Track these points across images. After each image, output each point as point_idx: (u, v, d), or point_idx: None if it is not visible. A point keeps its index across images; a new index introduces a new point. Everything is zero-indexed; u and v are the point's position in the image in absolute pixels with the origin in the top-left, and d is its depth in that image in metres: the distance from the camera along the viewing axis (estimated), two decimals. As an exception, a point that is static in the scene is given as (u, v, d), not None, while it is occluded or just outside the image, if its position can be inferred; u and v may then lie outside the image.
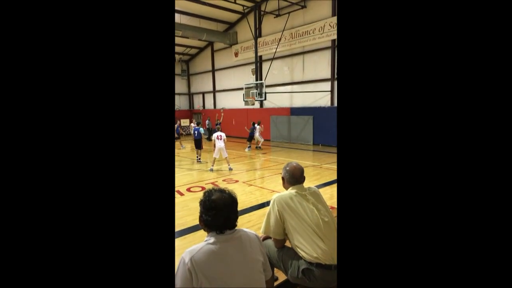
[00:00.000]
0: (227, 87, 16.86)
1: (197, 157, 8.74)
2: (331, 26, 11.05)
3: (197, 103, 19.89)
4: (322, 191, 1.96)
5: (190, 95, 20.41)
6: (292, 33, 12.53)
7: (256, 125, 11.45)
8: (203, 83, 18.96)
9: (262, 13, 13.09)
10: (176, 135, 13.02)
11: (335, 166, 7.34)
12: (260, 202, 5.05)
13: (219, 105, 17.72)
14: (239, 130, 15.21)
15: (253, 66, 14.30)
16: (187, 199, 5.27)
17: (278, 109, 13.69)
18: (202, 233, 4.29)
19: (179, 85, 19.93)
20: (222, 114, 12.82)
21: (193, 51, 18.57)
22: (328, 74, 11.53)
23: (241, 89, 13.52)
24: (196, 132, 8.78)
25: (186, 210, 4.72)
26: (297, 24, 12.31)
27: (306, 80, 12.47)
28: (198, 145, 8.73)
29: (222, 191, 1.27)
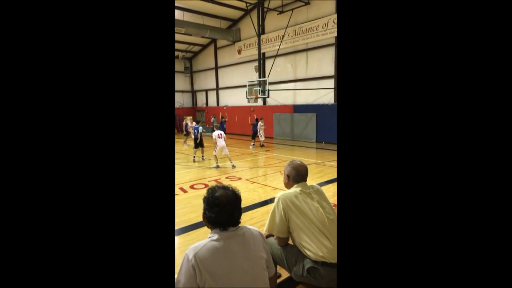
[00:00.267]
0: (230, 85, 16.83)
1: (196, 156, 8.59)
2: (334, 23, 10.96)
3: (200, 100, 19.89)
4: (325, 188, 1.96)
5: (193, 93, 20.42)
6: (295, 30, 12.46)
7: (259, 121, 11.41)
8: (206, 81, 18.95)
9: (265, 10, 13.02)
10: (184, 132, 13.09)
11: (338, 164, 7.30)
12: (263, 199, 5.05)
13: (222, 103, 17.71)
14: (242, 128, 15.22)
15: (256, 63, 14.25)
16: (190, 196, 5.29)
17: (281, 107, 13.66)
18: (205, 230, 4.30)
19: (182, 83, 19.94)
20: (226, 114, 12.70)
21: (196, 48, 18.55)
22: (331, 71, 11.47)
23: (244, 86, 13.49)
24: (195, 131, 8.67)
25: (189, 207, 4.75)
26: (300, 21, 12.23)
27: (309, 77, 12.41)
28: (198, 144, 8.61)
29: (225, 188, 1.28)
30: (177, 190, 5.64)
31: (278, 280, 1.77)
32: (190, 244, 1.19)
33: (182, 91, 20.01)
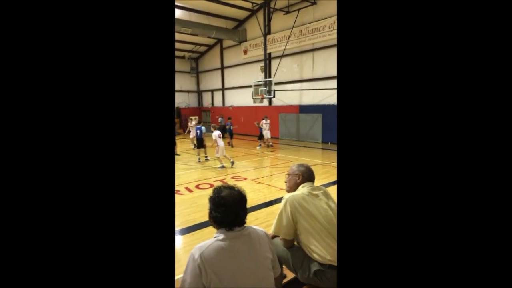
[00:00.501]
0: (236, 85, 16.87)
1: (201, 157, 8.51)
2: (341, 23, 10.89)
3: (206, 100, 19.97)
4: (331, 189, 1.94)
5: (199, 93, 20.51)
6: (301, 30, 12.43)
7: (263, 120, 11.25)
8: (212, 81, 19.02)
9: (271, 10, 13.01)
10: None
11: (344, 165, 7.24)
12: (268, 200, 5.05)
13: (228, 103, 17.76)
14: (247, 128, 15.22)
15: (262, 64, 14.25)
16: (195, 196, 5.31)
17: (287, 107, 13.63)
18: (210, 229, 4.30)
19: (188, 83, 20.05)
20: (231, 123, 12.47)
21: (202, 48, 18.63)
22: (338, 72, 11.39)
23: (250, 86, 13.50)
24: (198, 131, 8.62)
25: (195, 206, 4.76)
26: (307, 21, 12.20)
27: (315, 78, 12.36)
28: (201, 144, 8.53)
29: (231, 188, 1.27)
30: (182, 190, 5.66)
31: (284, 281, 1.76)
32: (195, 244, 1.19)
33: (188, 91, 20.12)
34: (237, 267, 1.15)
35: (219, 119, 15.48)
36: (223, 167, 7.61)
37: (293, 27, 12.31)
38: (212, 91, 19.15)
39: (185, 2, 12.77)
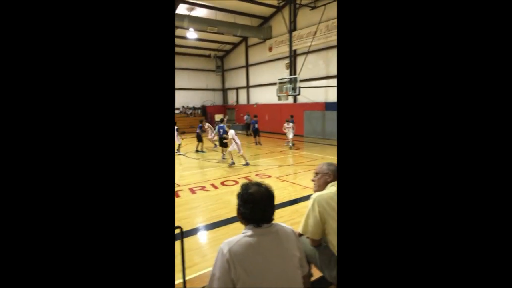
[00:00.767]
0: (261, 82, 16.87)
1: (226, 153, 8.57)
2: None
3: (231, 98, 20.19)
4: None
5: (224, 91, 20.77)
6: (328, 26, 12.15)
7: (285, 124, 10.88)
8: (237, 79, 19.18)
9: (297, 6, 12.85)
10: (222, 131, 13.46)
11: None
12: (292, 198, 5.01)
13: (252, 100, 17.82)
14: (272, 125, 15.19)
15: (287, 61, 14.14)
16: (221, 193, 5.39)
17: (312, 104, 13.42)
18: (235, 225, 4.37)
19: (214, 81, 20.37)
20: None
21: (228, 47, 18.83)
22: (366, 68, 11.02)
23: (274, 84, 13.45)
24: (221, 130, 8.61)
25: (220, 203, 4.84)
26: (333, 16, 11.89)
27: (342, 74, 12.04)
28: (223, 142, 8.42)
29: (259, 184, 1.28)
30: (208, 186, 5.78)
31: (311, 280, 1.74)
32: (220, 239, 1.21)
33: (214, 89, 20.44)
34: (265, 263, 1.15)
35: (245, 117, 15.58)
36: (247, 164, 7.70)
37: (319, 23, 12.07)
38: (237, 89, 19.30)
39: (211, 2, 12.95)
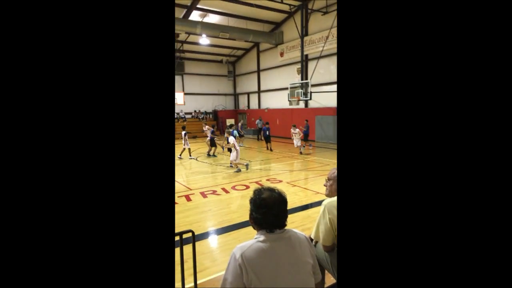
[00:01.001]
0: (272, 87, 16.91)
1: (245, 163, 8.39)
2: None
3: (242, 103, 20.29)
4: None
5: (236, 96, 20.90)
6: (340, 30, 12.09)
7: (291, 129, 10.65)
8: (248, 84, 19.29)
9: (309, 11, 12.86)
10: (240, 133, 13.60)
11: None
12: (304, 203, 4.96)
13: (264, 105, 17.85)
14: (283, 130, 15.16)
15: (298, 66, 14.13)
16: (232, 197, 5.40)
17: (323, 109, 13.34)
18: (246, 230, 4.34)
19: (225, 86, 20.54)
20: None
21: (239, 52, 18.99)
22: (379, 72, 10.88)
23: (286, 88, 13.44)
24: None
25: (231, 207, 4.84)
26: (345, 21, 11.83)
27: (354, 79, 11.93)
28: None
29: (272, 190, 1.27)
30: (219, 191, 5.80)
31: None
32: (232, 244, 1.21)
33: (225, 94, 20.61)
34: (277, 269, 1.14)
35: (256, 121, 15.61)
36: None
37: (331, 28, 12.03)
38: (248, 93, 19.40)
39: (224, 8, 13.13)
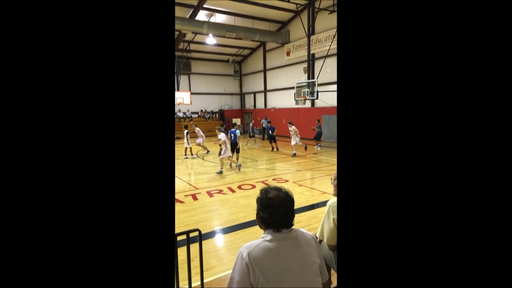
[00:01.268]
0: (278, 87, 16.87)
1: (232, 162, 8.04)
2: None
3: (248, 102, 20.30)
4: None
5: (242, 95, 20.92)
6: (347, 29, 12.00)
7: (292, 125, 10.35)
8: (254, 83, 19.28)
9: (316, 10, 12.80)
10: (251, 134, 13.55)
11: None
12: (310, 203, 4.94)
13: (270, 105, 17.83)
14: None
15: (305, 65, 14.07)
16: (238, 196, 5.41)
17: (330, 108, 13.26)
18: (253, 229, 4.34)
19: (232, 86, 20.58)
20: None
21: (246, 52, 19.00)
22: (386, 71, 10.77)
23: (292, 88, 13.41)
24: (232, 134, 8.16)
25: (237, 206, 4.85)
26: (353, 19, 11.74)
27: (361, 78, 11.83)
28: (234, 148, 8.09)
29: (278, 189, 1.27)
30: (225, 190, 5.81)
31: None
32: (238, 243, 1.21)
33: (231, 94, 20.65)
34: (284, 268, 1.14)
35: (262, 120, 15.60)
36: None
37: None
38: (254, 93, 19.39)
39: (230, 7, 13.15)
